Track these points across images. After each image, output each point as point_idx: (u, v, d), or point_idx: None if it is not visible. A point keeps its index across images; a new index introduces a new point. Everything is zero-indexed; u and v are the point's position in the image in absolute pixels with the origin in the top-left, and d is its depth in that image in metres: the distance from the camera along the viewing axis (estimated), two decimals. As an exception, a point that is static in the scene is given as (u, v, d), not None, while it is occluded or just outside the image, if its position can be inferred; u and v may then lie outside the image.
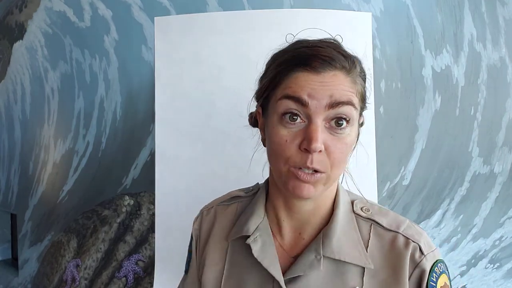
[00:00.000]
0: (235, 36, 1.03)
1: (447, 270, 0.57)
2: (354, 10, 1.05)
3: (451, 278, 0.56)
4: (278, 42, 1.01)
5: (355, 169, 1.02)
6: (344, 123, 0.50)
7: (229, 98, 1.04)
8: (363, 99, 0.56)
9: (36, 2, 1.27)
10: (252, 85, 1.10)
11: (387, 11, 1.06)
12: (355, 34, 1.04)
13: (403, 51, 1.08)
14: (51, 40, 1.25)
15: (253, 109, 0.66)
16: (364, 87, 0.57)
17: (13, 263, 1.61)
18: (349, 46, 1.09)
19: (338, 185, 0.61)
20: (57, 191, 1.24)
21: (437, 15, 1.10)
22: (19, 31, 1.36)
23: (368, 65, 1.03)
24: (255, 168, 1.03)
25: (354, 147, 0.58)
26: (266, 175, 1.02)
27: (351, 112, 0.50)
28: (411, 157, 1.09)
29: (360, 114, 0.57)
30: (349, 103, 0.50)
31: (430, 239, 0.56)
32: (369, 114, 1.04)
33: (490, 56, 1.15)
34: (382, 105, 1.06)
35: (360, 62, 0.57)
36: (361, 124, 0.59)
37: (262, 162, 1.02)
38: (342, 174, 0.61)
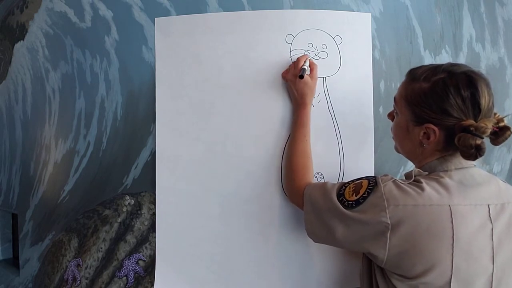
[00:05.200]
0: (235, 36, 1.03)
1: (375, 186, 0.73)
2: (354, 11, 1.05)
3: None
4: (278, 42, 1.02)
5: (354, 169, 1.03)
6: None
7: (229, 98, 1.04)
8: None
9: (37, 2, 1.27)
10: (252, 85, 1.10)
11: (386, 11, 1.07)
12: (355, 34, 1.04)
13: (402, 51, 1.09)
14: (52, 40, 1.25)
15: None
16: None
17: (14, 262, 1.62)
18: (348, 46, 1.10)
19: None
20: (58, 191, 1.25)
21: (436, 15, 1.10)
22: (20, 32, 1.36)
23: (367, 65, 1.04)
24: (255, 168, 1.04)
25: None
26: (267, 174, 1.02)
27: None
28: (410, 157, 1.09)
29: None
30: None
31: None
32: (368, 114, 1.05)
33: (489, 57, 1.15)
34: (381, 106, 1.06)
35: None
36: None
37: (262, 162, 1.02)
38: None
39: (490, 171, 1.18)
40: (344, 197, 0.76)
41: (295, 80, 0.96)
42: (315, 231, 0.83)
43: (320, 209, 0.80)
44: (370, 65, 1.05)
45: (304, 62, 0.97)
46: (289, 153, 0.97)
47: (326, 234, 0.79)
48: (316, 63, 1.00)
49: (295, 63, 0.98)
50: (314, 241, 0.86)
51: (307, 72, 0.96)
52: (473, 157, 0.69)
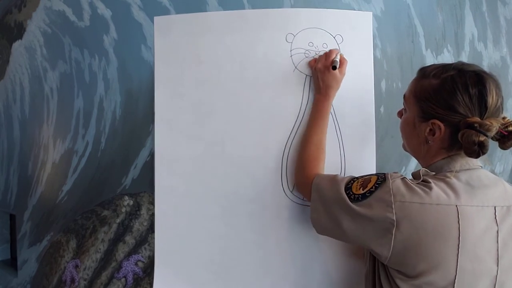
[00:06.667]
0: (235, 36, 1.03)
1: (383, 181, 0.72)
2: (355, 10, 1.05)
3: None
4: (278, 41, 1.01)
5: (355, 169, 1.02)
6: None
7: (229, 98, 1.03)
8: None
9: (35, 1, 1.27)
10: (252, 85, 1.09)
11: (387, 10, 1.06)
12: (356, 33, 1.04)
13: (404, 50, 1.08)
14: (50, 39, 1.25)
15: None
16: None
17: (12, 263, 1.61)
18: (349, 45, 1.09)
19: None
20: (56, 191, 1.24)
21: (438, 14, 1.10)
22: (18, 31, 1.36)
23: (368, 65, 1.04)
24: (255, 168, 1.03)
25: None
26: (267, 174, 1.02)
27: None
28: (411, 157, 1.09)
29: None
30: None
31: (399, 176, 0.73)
32: (370, 113, 1.04)
33: (491, 56, 1.15)
34: (382, 105, 1.06)
35: None
36: None
37: (262, 161, 1.02)
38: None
39: (492, 171, 1.17)
40: (351, 191, 0.77)
41: (324, 71, 0.95)
42: (320, 221, 0.83)
43: (327, 199, 0.81)
44: (371, 64, 1.04)
45: (336, 55, 0.95)
46: (304, 142, 0.97)
47: (330, 225, 0.80)
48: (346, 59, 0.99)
49: (327, 54, 0.96)
50: (317, 232, 0.85)
51: (337, 66, 0.95)
52: (476, 154, 0.69)
